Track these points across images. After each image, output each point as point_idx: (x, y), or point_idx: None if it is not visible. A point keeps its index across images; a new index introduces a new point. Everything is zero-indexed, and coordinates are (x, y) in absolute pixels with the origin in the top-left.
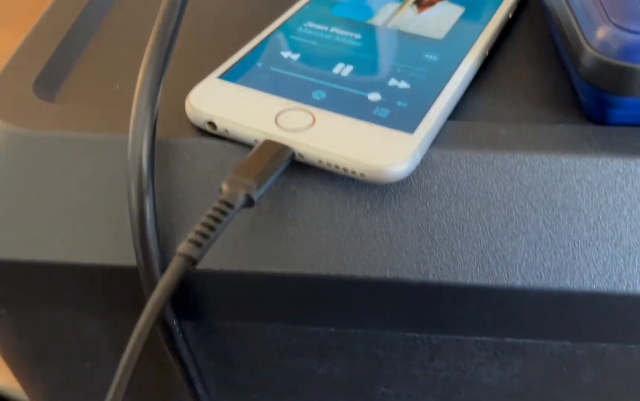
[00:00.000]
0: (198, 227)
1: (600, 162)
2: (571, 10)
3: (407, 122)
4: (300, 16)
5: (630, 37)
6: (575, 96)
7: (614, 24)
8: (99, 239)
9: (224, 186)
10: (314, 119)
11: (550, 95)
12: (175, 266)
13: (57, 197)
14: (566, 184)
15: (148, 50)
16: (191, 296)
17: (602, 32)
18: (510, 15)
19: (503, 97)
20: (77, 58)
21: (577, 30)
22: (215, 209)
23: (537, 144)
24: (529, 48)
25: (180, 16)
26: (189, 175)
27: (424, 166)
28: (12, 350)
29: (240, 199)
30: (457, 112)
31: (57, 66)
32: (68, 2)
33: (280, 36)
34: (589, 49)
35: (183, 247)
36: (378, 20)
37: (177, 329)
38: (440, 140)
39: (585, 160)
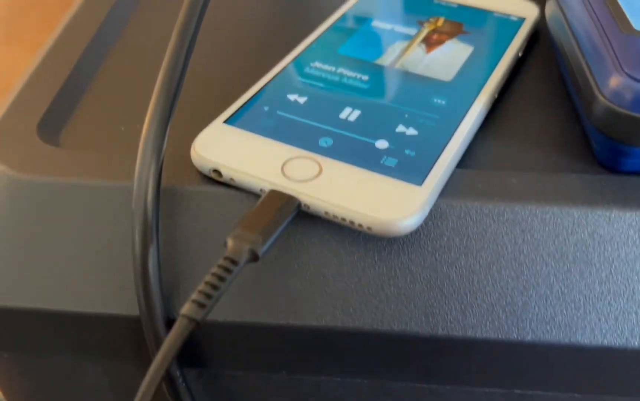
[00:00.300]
0: (202, 286)
1: (612, 215)
2: (583, 56)
3: (415, 172)
4: (307, 55)
5: None
6: (586, 139)
7: (626, 74)
8: (102, 288)
9: (229, 241)
10: (321, 169)
11: (562, 139)
12: (178, 328)
13: (60, 244)
14: (578, 238)
15: (154, 98)
16: (195, 346)
17: (614, 82)
18: (520, 54)
19: (513, 141)
20: (81, 96)
21: (589, 77)
22: (220, 266)
23: (548, 196)
24: (539, 88)
25: (186, 61)
26: (194, 224)
27: (433, 216)
28: (15, 393)
29: (245, 255)
30: (467, 158)
31: (61, 106)
32: (71, 38)
33: (287, 77)
34: (601, 98)
35: (187, 308)
36: (386, 59)
37: (181, 380)
38: (449, 189)
39: (597, 213)
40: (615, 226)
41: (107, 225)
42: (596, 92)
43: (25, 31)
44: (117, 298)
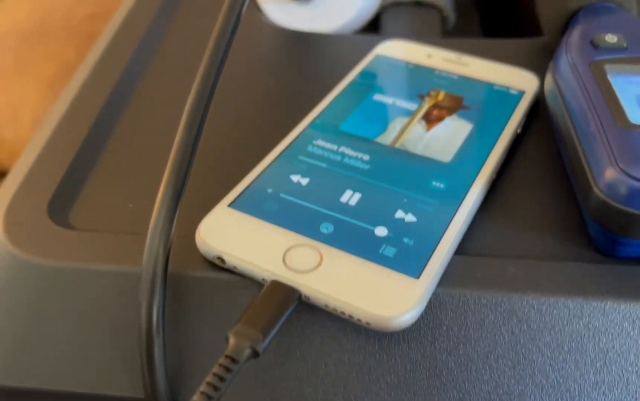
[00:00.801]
0: (203, 387)
1: (607, 307)
2: (580, 143)
3: (413, 264)
4: (310, 132)
5: (636, 185)
6: (583, 222)
7: (621, 169)
8: (108, 370)
9: (230, 338)
10: (321, 258)
11: (559, 222)
12: None
13: (68, 326)
14: (573, 328)
15: (162, 189)
16: None
17: (609, 176)
18: (519, 131)
19: (511, 224)
20: (89, 172)
21: (586, 166)
22: (221, 365)
23: (544, 286)
24: (537, 165)
25: (195, 148)
26: (200, 309)
27: (433, 305)
28: None
29: (246, 352)
30: (465, 243)
31: (70, 184)
32: (79, 112)
33: (290, 156)
34: (597, 190)
35: None
36: (387, 138)
37: None
38: (448, 278)
39: (592, 305)
40: (609, 317)
41: (114, 309)
42: (592, 183)
43: (34, 63)
44: (123, 381)
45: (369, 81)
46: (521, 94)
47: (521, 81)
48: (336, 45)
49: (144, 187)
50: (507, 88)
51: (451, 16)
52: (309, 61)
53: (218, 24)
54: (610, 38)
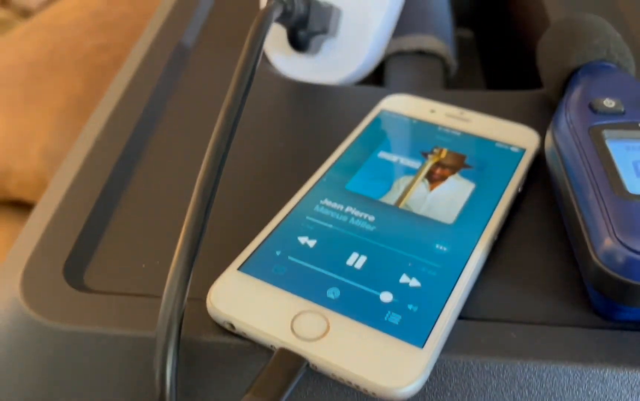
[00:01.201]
0: None
1: (606, 374)
2: (580, 212)
3: (417, 332)
4: (316, 191)
5: (633, 257)
6: (583, 283)
7: (618, 240)
8: None
9: None
10: (328, 325)
11: (560, 284)
12: None
13: (82, 389)
14: (573, 395)
15: (175, 260)
16: None
17: (607, 247)
18: (520, 190)
19: (513, 287)
20: (103, 233)
21: (585, 235)
22: None
23: (545, 353)
24: (538, 225)
25: (206, 221)
26: (211, 374)
27: (437, 371)
28: None
29: None
30: (467, 306)
31: (85, 245)
32: (92, 171)
33: (298, 217)
34: (595, 259)
35: None
36: (391, 197)
37: None
38: (451, 344)
39: (591, 372)
40: (608, 385)
41: (128, 372)
42: (591, 252)
43: (43, 96)
44: None
45: (374, 137)
46: (522, 151)
47: (522, 137)
48: (343, 97)
49: (156, 246)
50: (509, 145)
51: (453, 64)
52: (317, 113)
53: (231, 87)
54: (609, 102)
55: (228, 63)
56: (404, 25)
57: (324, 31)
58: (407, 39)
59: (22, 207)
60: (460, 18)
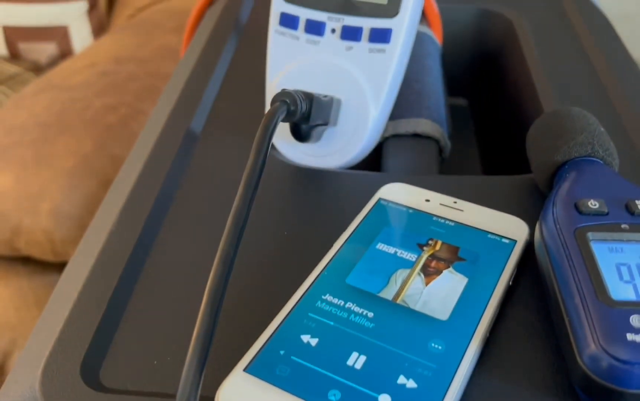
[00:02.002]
0: None
1: None
2: (567, 315)
3: None
4: (319, 286)
5: (616, 365)
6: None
7: (602, 348)
8: None
9: None
10: None
11: (550, 378)
12: None
13: None
14: None
15: (185, 369)
16: None
17: (591, 353)
18: (511, 283)
19: (505, 383)
20: (117, 330)
21: (572, 338)
22: None
23: None
24: (529, 319)
25: (215, 327)
26: None
27: None
28: None
29: None
30: None
31: (100, 343)
32: (106, 266)
33: (301, 313)
34: (580, 363)
35: None
36: (389, 292)
37: None
38: None
39: None
40: None
41: None
42: (576, 355)
43: (53, 156)
44: None
45: (372, 227)
46: (513, 243)
47: (513, 228)
48: (344, 182)
49: (166, 343)
50: (500, 237)
51: (447, 145)
52: (319, 198)
53: (239, 192)
54: (593, 204)
55: (236, 150)
56: (400, 107)
57: (325, 123)
58: (403, 122)
59: (31, 263)
60: (456, 87)
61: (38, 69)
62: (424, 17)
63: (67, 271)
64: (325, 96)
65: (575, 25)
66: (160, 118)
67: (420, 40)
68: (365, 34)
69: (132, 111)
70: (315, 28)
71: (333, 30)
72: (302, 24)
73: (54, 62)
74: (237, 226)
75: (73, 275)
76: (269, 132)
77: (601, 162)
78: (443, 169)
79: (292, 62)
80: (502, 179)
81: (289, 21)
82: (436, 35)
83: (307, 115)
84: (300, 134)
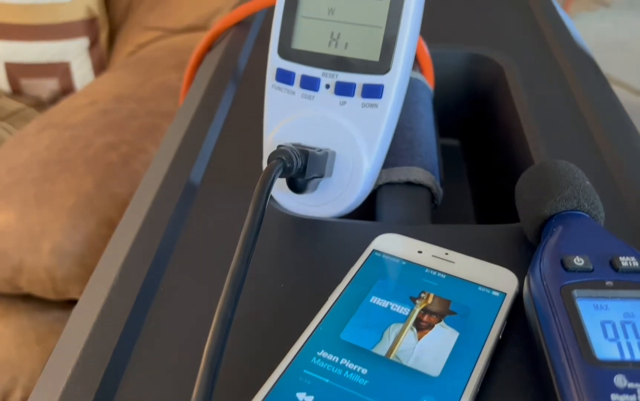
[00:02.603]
0: None
1: None
2: (555, 373)
3: None
4: (314, 341)
5: None
6: None
7: None
8: None
9: None
10: None
11: None
12: None
13: None
14: None
15: None
16: None
17: None
18: (500, 337)
19: None
20: (119, 383)
21: (559, 398)
22: None
23: None
24: (518, 373)
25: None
26: None
27: None
28: None
29: None
30: None
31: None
32: (104, 332)
33: (296, 370)
34: None
35: None
36: (382, 348)
37: None
38: None
39: None
40: None
41: None
42: None
43: (54, 195)
44: None
45: (367, 280)
46: (503, 296)
47: (502, 280)
48: (340, 232)
49: (168, 395)
50: (490, 289)
51: (439, 192)
52: (315, 248)
53: (237, 252)
54: (578, 261)
55: (234, 202)
56: (393, 154)
57: (321, 175)
58: (395, 170)
59: (31, 300)
60: (448, 128)
61: (40, 104)
62: (416, 62)
63: (72, 325)
64: (320, 150)
65: (564, 71)
66: (161, 168)
67: (412, 86)
68: (358, 90)
69: (133, 150)
70: (310, 84)
71: (327, 86)
72: (297, 80)
73: (55, 97)
74: (234, 287)
75: (77, 329)
76: (266, 191)
77: (587, 216)
78: (436, 213)
79: (288, 116)
80: (492, 229)
81: (285, 77)
82: (428, 80)
83: (302, 170)
84: (297, 187)
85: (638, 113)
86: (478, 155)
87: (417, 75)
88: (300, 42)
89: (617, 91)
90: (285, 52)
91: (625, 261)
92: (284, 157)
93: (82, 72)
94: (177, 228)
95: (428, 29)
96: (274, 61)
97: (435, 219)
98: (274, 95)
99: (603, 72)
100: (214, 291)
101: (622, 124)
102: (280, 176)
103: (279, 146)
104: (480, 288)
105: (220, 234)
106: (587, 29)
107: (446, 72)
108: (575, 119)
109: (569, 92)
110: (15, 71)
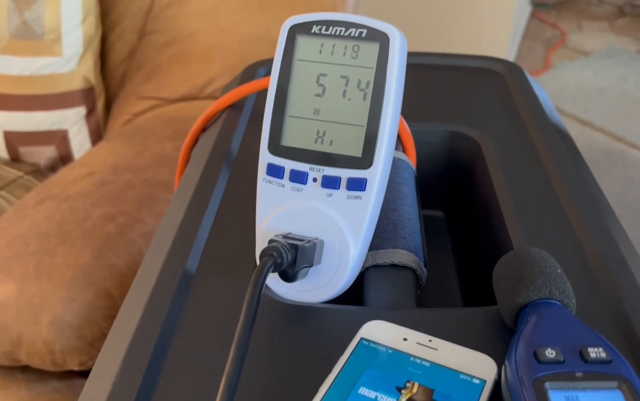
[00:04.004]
0: None
1: None
2: None
3: None
4: None
5: None
6: None
7: None
8: None
9: None
10: None
11: None
12: None
13: None
14: None
15: None
16: None
17: None
18: None
19: None
20: None
21: None
22: None
23: None
24: None
25: None
26: None
27: None
28: None
29: None
30: None
31: None
32: None
33: None
34: None
35: None
36: None
37: None
38: None
39: None
40: None
41: None
42: None
43: (53, 267)
44: None
45: (355, 370)
46: (483, 383)
47: (482, 367)
48: (328, 317)
49: None
50: (471, 377)
51: (424, 273)
52: (305, 334)
53: (231, 356)
54: (550, 353)
55: (230, 291)
56: (378, 237)
57: (310, 265)
58: (381, 253)
59: (30, 371)
60: (432, 200)
61: (37, 172)
62: (399, 141)
63: None
64: (309, 241)
65: (537, 147)
66: (157, 259)
67: (396, 167)
68: (343, 183)
69: (130, 220)
70: (298, 177)
71: (315, 179)
72: (287, 174)
73: (53, 164)
74: (229, 389)
75: None
76: (258, 289)
77: (559, 303)
78: (423, 287)
79: (278, 207)
80: (474, 311)
81: (275, 171)
82: (410, 158)
83: (293, 262)
84: (287, 277)
85: (622, 158)
86: (461, 226)
87: (400, 155)
88: (288, 140)
89: (600, 137)
90: (275, 148)
91: (594, 352)
92: (274, 253)
93: (79, 140)
94: (174, 321)
95: (409, 108)
96: (265, 157)
97: (422, 292)
98: (265, 188)
99: (586, 119)
100: (211, 387)
101: (592, 201)
102: (272, 272)
103: (270, 241)
104: (461, 376)
105: (216, 327)
106: (568, 77)
107: (428, 149)
108: (549, 196)
109: (542, 169)
110: (14, 139)
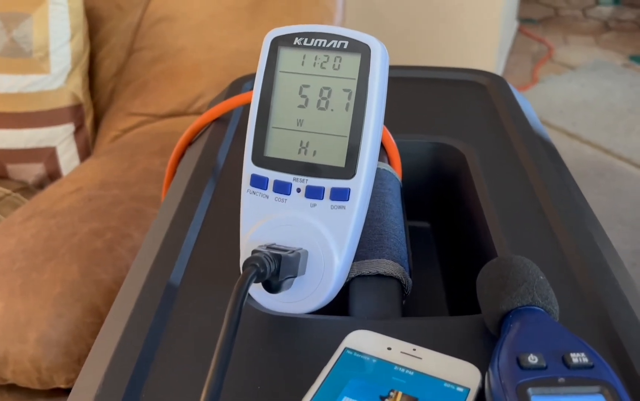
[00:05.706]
0: None
1: None
2: None
3: None
4: None
5: None
6: None
7: None
8: None
9: None
10: None
11: None
12: None
13: None
14: None
15: None
16: None
17: None
18: None
19: None
20: None
21: None
22: None
23: None
24: None
25: None
26: None
27: None
28: None
29: None
30: None
31: None
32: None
33: None
34: None
35: None
36: None
37: None
38: None
39: None
40: None
41: None
42: None
43: (40, 284)
44: None
45: (339, 379)
46: (467, 391)
47: (466, 376)
48: (313, 328)
49: None
50: (455, 385)
51: (409, 283)
52: (290, 345)
53: (212, 367)
54: (532, 359)
55: (212, 302)
56: (363, 247)
57: (294, 275)
58: (366, 263)
59: (16, 390)
60: (418, 211)
61: (25, 189)
62: (384, 153)
63: None
64: (293, 251)
65: (520, 157)
66: (142, 272)
67: (381, 177)
68: (327, 193)
69: (118, 236)
70: (282, 188)
71: (298, 190)
72: (270, 185)
73: (41, 181)
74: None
75: None
76: (240, 298)
77: (542, 310)
78: (409, 296)
79: (263, 218)
80: (458, 320)
81: (259, 182)
82: (396, 169)
83: (276, 272)
84: (271, 288)
85: (609, 170)
86: (447, 236)
87: (385, 166)
88: (272, 151)
89: (587, 149)
90: (259, 159)
91: (576, 358)
92: (257, 264)
93: (67, 157)
94: (158, 334)
95: (395, 121)
96: (249, 168)
97: (408, 302)
98: (249, 199)
99: (574, 132)
100: (194, 399)
101: (575, 208)
102: (256, 281)
103: (253, 251)
104: (445, 384)
105: (200, 339)
106: (555, 91)
107: (414, 160)
108: (532, 205)
109: (525, 178)
110: (1, 157)
